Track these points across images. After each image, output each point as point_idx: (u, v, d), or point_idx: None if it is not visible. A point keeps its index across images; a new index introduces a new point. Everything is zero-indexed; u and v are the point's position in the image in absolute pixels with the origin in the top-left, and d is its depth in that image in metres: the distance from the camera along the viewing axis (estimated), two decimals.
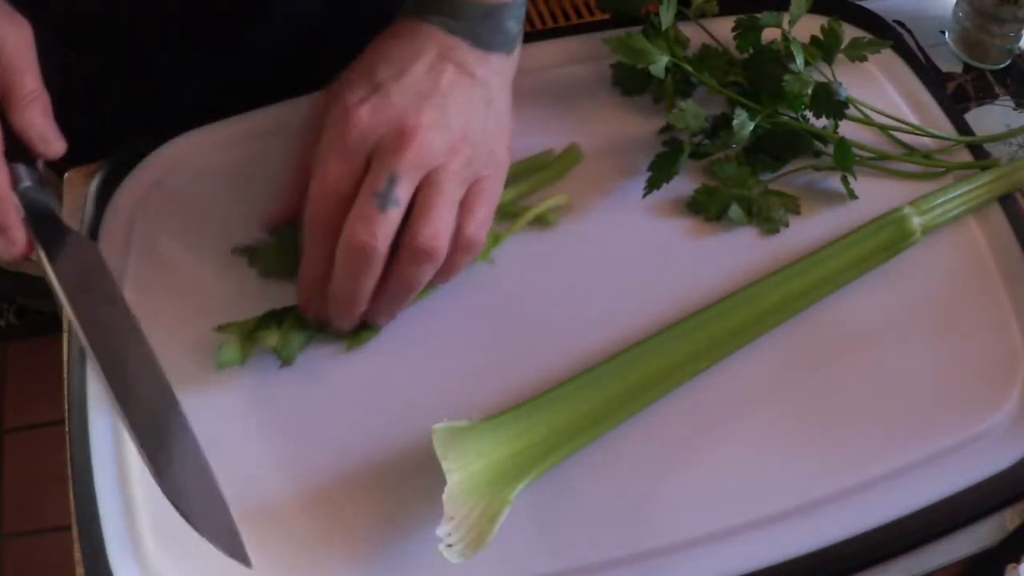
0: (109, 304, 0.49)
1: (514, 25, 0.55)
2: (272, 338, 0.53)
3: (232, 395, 0.53)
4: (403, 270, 0.50)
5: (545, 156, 0.60)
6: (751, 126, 0.59)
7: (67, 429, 0.51)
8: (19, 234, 0.48)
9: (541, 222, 0.58)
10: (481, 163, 0.51)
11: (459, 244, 0.50)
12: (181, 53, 0.68)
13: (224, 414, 0.52)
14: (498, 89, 0.54)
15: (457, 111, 0.51)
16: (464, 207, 0.51)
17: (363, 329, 0.54)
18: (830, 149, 0.60)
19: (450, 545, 0.44)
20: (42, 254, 0.49)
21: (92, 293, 0.49)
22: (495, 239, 0.57)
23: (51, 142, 0.49)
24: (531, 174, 0.60)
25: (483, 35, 0.53)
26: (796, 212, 0.59)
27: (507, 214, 0.58)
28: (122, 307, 0.49)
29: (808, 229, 0.58)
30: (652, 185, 0.58)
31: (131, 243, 0.58)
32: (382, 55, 0.52)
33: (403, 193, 0.48)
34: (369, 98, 0.49)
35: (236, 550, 0.44)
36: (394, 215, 0.48)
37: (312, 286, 0.51)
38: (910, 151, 0.62)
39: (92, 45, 0.64)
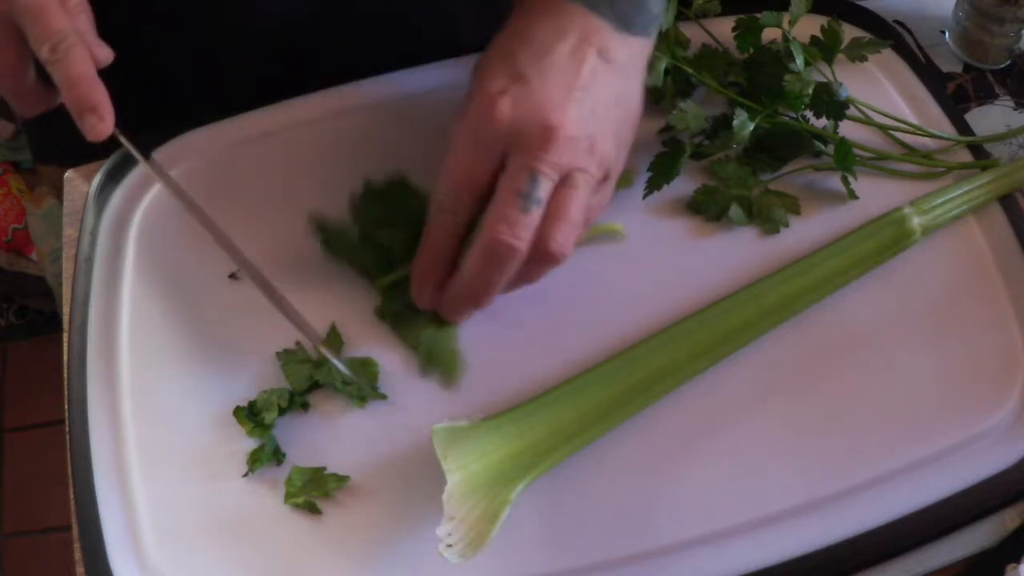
0: None
1: (656, 4, 0.53)
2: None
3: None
4: (528, 268, 0.49)
5: None
6: (751, 126, 0.58)
7: (67, 429, 0.51)
8: (108, 112, 0.49)
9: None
10: (611, 163, 0.51)
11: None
12: (182, 51, 0.68)
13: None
14: (635, 76, 0.53)
15: (597, 106, 0.50)
16: None
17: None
18: (830, 149, 0.60)
19: (450, 545, 0.44)
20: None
21: None
22: None
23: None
24: None
25: (625, 15, 0.52)
26: (796, 212, 0.59)
27: None
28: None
29: (808, 229, 0.58)
30: (652, 186, 0.58)
31: (130, 243, 0.58)
32: (522, 36, 0.51)
33: (545, 192, 0.48)
34: (509, 89, 0.49)
35: None
36: (536, 215, 0.48)
37: (430, 272, 0.51)
38: (910, 151, 0.62)
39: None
